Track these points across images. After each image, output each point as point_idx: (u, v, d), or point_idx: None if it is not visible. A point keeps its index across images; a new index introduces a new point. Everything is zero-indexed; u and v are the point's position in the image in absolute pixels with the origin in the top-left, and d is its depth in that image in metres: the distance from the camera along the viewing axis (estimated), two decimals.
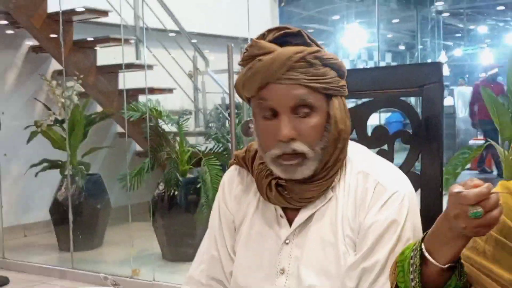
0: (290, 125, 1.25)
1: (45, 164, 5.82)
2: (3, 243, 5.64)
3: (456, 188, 0.98)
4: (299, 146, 1.26)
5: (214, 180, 4.83)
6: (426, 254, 1.08)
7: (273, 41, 1.29)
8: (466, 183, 0.98)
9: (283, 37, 1.30)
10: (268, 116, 1.27)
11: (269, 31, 1.32)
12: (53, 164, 5.84)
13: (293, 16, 8.97)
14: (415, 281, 1.10)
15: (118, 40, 5.96)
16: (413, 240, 1.26)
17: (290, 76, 1.23)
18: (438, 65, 1.64)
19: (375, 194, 1.30)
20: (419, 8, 9.93)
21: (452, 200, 0.99)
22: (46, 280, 4.96)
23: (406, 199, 1.31)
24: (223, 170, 4.49)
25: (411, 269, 1.11)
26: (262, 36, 1.31)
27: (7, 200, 5.84)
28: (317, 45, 1.32)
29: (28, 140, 5.83)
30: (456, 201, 0.98)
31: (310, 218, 1.34)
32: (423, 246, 1.09)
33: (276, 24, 6.86)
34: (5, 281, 4.84)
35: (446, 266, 1.07)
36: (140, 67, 6.12)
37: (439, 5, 9.49)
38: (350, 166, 1.36)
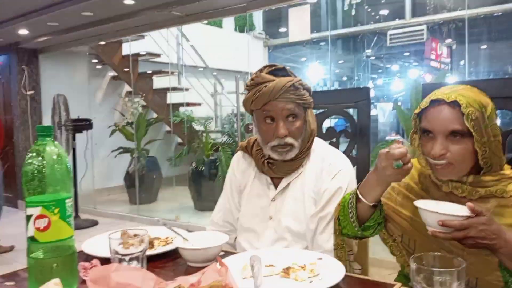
0: (284, 127, 1.27)
1: (120, 150, 5.83)
2: (95, 199, 5.65)
3: (385, 150, 1.00)
4: (290, 140, 1.28)
5: (227, 160, 4.83)
6: (360, 196, 1.09)
7: (268, 73, 1.29)
8: (391, 146, 1.00)
9: (273, 71, 1.30)
10: (269, 121, 1.29)
11: (265, 67, 1.33)
12: (126, 150, 5.84)
13: (277, 58, 8.92)
14: (352, 213, 1.11)
15: (166, 72, 5.98)
16: None
17: (285, 96, 1.25)
18: (367, 89, 1.64)
19: (329, 170, 1.31)
20: (355, 53, 9.97)
21: (382, 157, 1.00)
22: (121, 222, 4.97)
23: (348, 174, 1.32)
24: (233, 154, 4.51)
25: (349, 205, 1.12)
26: (260, 70, 1.32)
27: (97, 171, 5.85)
28: (294, 75, 1.32)
29: (110, 135, 5.83)
30: (385, 157, 0.99)
31: (288, 184, 1.35)
32: (358, 191, 1.10)
33: (266, 63, 6.83)
34: (96, 223, 4.85)
35: (372, 204, 1.08)
36: (180, 89, 6.11)
37: (368, 52, 9.50)
38: (313, 153, 1.36)
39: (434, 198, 1.11)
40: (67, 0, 3.99)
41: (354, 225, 1.11)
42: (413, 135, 1.12)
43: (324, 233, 1.26)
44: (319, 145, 1.39)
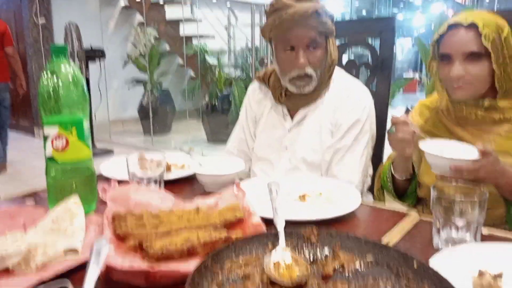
0: (305, 56, 1.22)
1: (134, 82, 5.80)
2: (110, 130, 5.71)
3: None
4: (309, 70, 1.24)
5: (240, 95, 4.79)
6: (392, 171, 1.15)
7: None
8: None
9: None
10: (288, 49, 1.24)
11: None
12: (139, 82, 5.81)
13: None
14: (391, 187, 1.18)
15: (179, 2, 5.77)
16: (370, 132, 1.29)
17: (306, 23, 1.19)
18: (392, 19, 1.54)
19: (348, 102, 1.28)
20: None
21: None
22: (136, 152, 5.04)
23: (367, 106, 1.29)
24: (246, 88, 4.48)
25: (388, 179, 1.18)
26: None
27: (112, 103, 5.84)
28: (316, 1, 1.24)
29: (123, 66, 5.78)
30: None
31: (305, 116, 1.32)
32: (391, 168, 1.15)
33: None
34: (111, 152, 4.95)
35: (404, 178, 1.14)
36: (193, 20, 5.94)
37: None
38: (333, 84, 1.32)
39: (447, 127, 1.12)
40: None
41: (394, 197, 1.19)
42: (431, 63, 1.14)
43: (340, 165, 1.26)
44: (339, 75, 1.34)
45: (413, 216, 0.90)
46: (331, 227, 0.83)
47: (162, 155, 0.99)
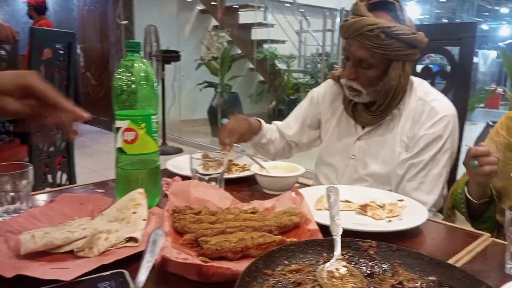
0: (352, 70, 1.19)
1: (205, 84, 5.97)
2: (181, 129, 5.92)
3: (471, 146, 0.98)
4: (355, 85, 1.21)
5: None
6: (467, 194, 1.08)
7: (368, 6, 1.16)
8: (477, 145, 0.97)
9: (376, 4, 1.16)
10: (346, 58, 1.22)
11: None
12: (210, 84, 5.97)
13: None
14: (464, 209, 1.11)
15: (253, 6, 5.86)
16: (450, 150, 1.21)
17: (360, 40, 1.14)
18: (474, 24, 1.44)
19: (429, 115, 1.20)
20: None
21: (466, 154, 0.98)
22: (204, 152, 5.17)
23: (451, 121, 1.20)
24: None
25: (461, 201, 1.11)
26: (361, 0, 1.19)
27: (184, 104, 6.07)
28: (400, 16, 1.15)
29: (196, 68, 5.97)
30: (467, 154, 0.97)
31: (378, 125, 1.26)
32: (465, 190, 1.09)
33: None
34: (181, 150, 5.12)
35: (481, 201, 1.07)
36: (265, 25, 6.00)
37: None
38: (413, 94, 1.24)
39: None
40: None
41: (468, 220, 1.12)
42: None
43: (413, 181, 1.18)
44: (420, 86, 1.26)
45: (485, 237, 0.83)
46: (392, 242, 0.79)
47: (225, 155, 1.00)
